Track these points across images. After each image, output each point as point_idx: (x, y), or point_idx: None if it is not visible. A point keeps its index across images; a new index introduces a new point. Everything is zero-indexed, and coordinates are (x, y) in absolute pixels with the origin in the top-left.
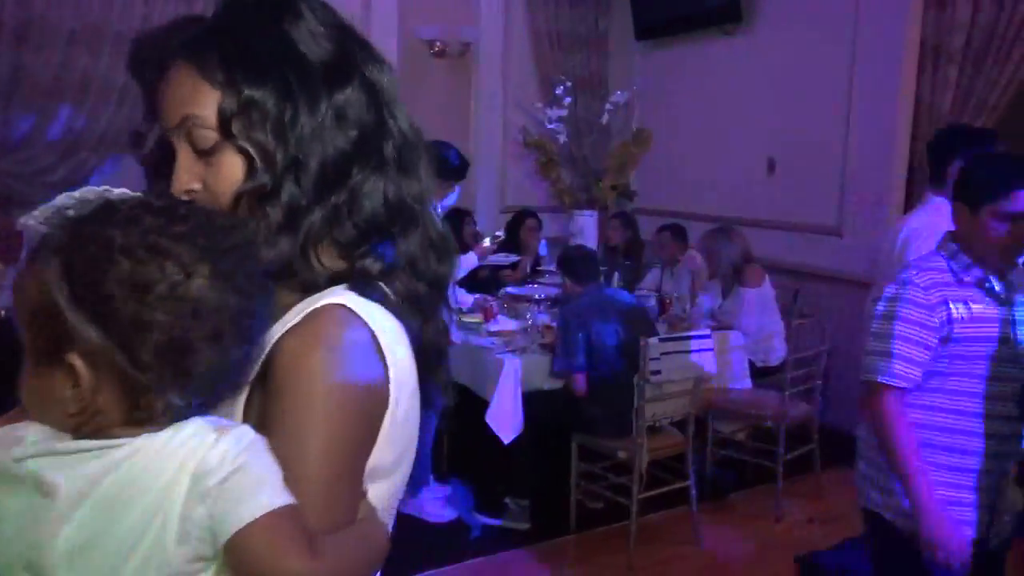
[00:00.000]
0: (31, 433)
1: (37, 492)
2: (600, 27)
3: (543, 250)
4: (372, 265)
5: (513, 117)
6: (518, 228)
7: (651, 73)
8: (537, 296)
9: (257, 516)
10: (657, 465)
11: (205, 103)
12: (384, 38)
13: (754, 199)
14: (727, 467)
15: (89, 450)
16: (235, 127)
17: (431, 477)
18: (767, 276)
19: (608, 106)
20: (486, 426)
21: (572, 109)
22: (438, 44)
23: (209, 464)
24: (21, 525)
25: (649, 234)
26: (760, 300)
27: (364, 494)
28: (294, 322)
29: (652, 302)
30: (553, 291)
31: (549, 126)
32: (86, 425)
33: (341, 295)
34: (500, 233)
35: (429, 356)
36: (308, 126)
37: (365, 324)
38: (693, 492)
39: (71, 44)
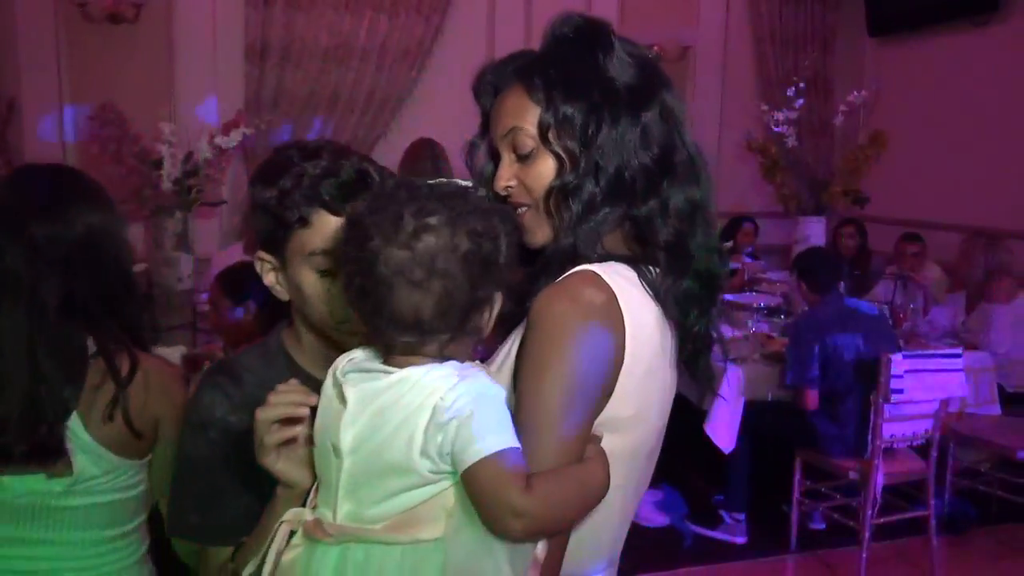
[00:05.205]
0: (358, 354)
1: (340, 398)
2: (828, 24)
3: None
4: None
5: (731, 120)
6: (735, 233)
7: (886, 71)
8: (757, 304)
9: (483, 456)
10: (889, 490)
11: (528, 117)
12: None
13: (1011, 207)
14: (968, 499)
15: (370, 371)
16: (551, 135)
17: None
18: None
19: (842, 107)
20: (701, 434)
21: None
22: (656, 48)
23: (445, 402)
24: (330, 419)
25: (879, 243)
26: (1014, 318)
27: (598, 439)
28: (552, 283)
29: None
30: (772, 300)
31: (776, 129)
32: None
33: (596, 265)
34: (729, 243)
35: (696, 345)
36: (609, 137)
37: (608, 286)
38: (932, 522)
39: (325, 61)
